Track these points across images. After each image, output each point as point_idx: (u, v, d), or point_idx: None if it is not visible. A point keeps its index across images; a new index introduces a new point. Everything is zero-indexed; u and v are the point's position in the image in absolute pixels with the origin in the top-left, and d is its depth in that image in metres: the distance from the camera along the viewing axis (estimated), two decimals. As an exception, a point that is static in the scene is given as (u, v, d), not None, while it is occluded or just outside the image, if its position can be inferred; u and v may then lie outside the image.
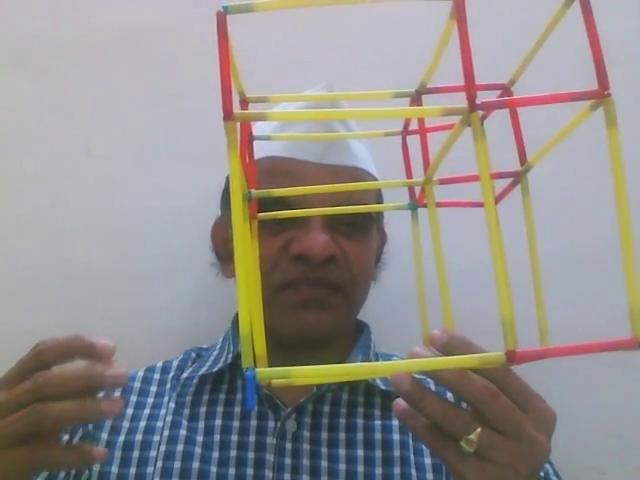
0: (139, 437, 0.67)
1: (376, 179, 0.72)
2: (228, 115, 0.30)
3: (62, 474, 0.66)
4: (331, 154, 0.68)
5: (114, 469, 0.65)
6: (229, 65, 0.30)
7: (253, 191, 0.43)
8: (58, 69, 0.97)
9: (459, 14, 0.30)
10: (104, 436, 0.68)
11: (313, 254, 0.64)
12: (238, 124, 0.32)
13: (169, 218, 0.92)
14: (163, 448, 0.66)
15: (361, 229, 0.69)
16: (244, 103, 0.44)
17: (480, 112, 0.31)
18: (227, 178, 0.74)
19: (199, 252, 0.81)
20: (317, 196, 0.62)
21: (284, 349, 0.67)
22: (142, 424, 0.69)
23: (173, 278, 0.91)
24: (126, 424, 0.69)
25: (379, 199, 0.74)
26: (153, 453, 0.66)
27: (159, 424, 0.68)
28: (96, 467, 0.66)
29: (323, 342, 0.69)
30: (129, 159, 0.95)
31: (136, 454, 0.66)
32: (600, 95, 0.31)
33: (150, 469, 0.65)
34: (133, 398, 0.71)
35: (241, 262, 0.28)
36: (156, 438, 0.67)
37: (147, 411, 0.70)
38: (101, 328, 0.88)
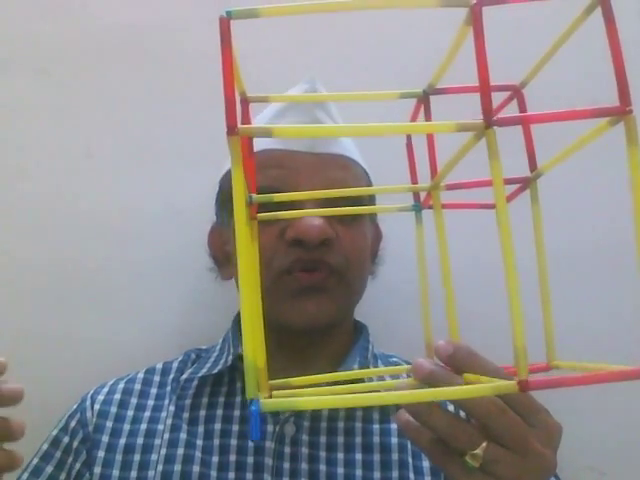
0: (140, 440, 0.67)
1: (363, 167, 0.73)
2: (232, 130, 0.28)
3: (62, 477, 0.66)
4: (320, 144, 0.69)
5: (115, 472, 0.65)
6: (232, 75, 0.29)
7: (254, 196, 0.42)
8: (58, 69, 0.95)
9: (476, 26, 0.28)
10: (105, 439, 0.67)
11: (309, 237, 0.63)
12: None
13: (169, 218, 0.91)
14: (164, 452, 0.65)
15: (354, 215, 0.69)
16: (245, 103, 0.42)
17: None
18: (220, 181, 0.74)
19: (198, 252, 0.79)
20: (310, 184, 0.66)
21: (282, 346, 0.67)
22: (143, 427, 0.68)
23: (173, 278, 0.90)
24: (127, 426, 0.68)
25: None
26: (154, 457, 0.65)
27: (160, 427, 0.68)
28: (97, 470, 0.65)
29: (322, 332, 0.68)
30: (129, 159, 0.93)
31: (137, 457, 0.65)
32: (621, 112, 0.29)
33: (151, 472, 0.64)
34: (134, 400, 0.71)
35: (245, 286, 0.27)
36: (157, 441, 0.66)
37: (148, 414, 0.69)
38: (100, 328, 0.88)
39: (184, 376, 0.71)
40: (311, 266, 0.66)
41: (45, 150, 0.93)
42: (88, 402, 0.71)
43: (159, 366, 0.75)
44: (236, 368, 0.70)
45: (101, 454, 0.66)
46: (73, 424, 0.70)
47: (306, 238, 0.64)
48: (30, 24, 0.96)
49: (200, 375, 0.70)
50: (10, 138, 0.94)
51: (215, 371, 0.70)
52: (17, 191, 0.92)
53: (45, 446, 0.69)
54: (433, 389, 0.34)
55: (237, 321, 0.76)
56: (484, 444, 0.39)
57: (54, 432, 0.70)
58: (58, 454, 0.69)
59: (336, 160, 0.70)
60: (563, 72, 0.77)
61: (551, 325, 0.41)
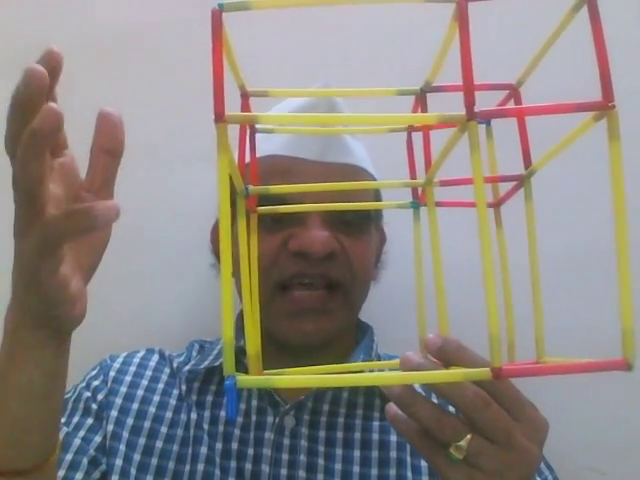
0: (152, 409, 0.68)
1: (373, 177, 0.71)
2: (219, 117, 0.29)
3: (89, 422, 0.67)
4: (329, 152, 0.67)
5: (125, 434, 0.66)
6: (222, 65, 0.30)
7: (251, 187, 0.43)
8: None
9: (461, 20, 0.29)
10: (118, 401, 0.69)
11: (313, 251, 0.63)
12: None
13: (170, 217, 0.91)
14: (179, 432, 0.66)
15: (360, 227, 0.68)
16: (245, 97, 0.43)
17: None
18: None
19: (199, 252, 0.80)
20: (315, 194, 0.59)
21: (282, 350, 0.67)
22: (156, 398, 0.69)
23: (173, 278, 0.90)
24: (140, 392, 0.70)
25: (377, 197, 0.73)
26: (164, 429, 0.67)
27: (172, 402, 0.69)
28: (110, 427, 0.66)
29: (322, 347, 0.68)
30: (129, 159, 0.94)
31: (147, 424, 0.67)
32: (604, 107, 0.30)
33: (159, 443, 0.66)
34: (149, 373, 0.72)
35: (226, 268, 0.28)
36: (168, 414, 0.68)
37: (161, 386, 0.71)
38: (101, 328, 0.88)
39: (187, 367, 0.72)
40: (310, 281, 0.65)
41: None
42: (107, 367, 0.73)
43: (167, 352, 0.77)
44: (239, 361, 0.70)
45: (114, 413, 0.68)
46: (96, 383, 0.71)
47: (310, 251, 0.63)
48: (30, 24, 0.97)
49: (205, 366, 0.71)
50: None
51: (217, 363, 0.71)
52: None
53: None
54: (405, 372, 0.35)
55: (240, 317, 0.77)
56: (469, 436, 0.39)
57: (79, 386, 0.71)
58: (81, 405, 0.69)
59: (345, 170, 0.67)
60: (564, 72, 0.77)
61: (541, 321, 0.42)
